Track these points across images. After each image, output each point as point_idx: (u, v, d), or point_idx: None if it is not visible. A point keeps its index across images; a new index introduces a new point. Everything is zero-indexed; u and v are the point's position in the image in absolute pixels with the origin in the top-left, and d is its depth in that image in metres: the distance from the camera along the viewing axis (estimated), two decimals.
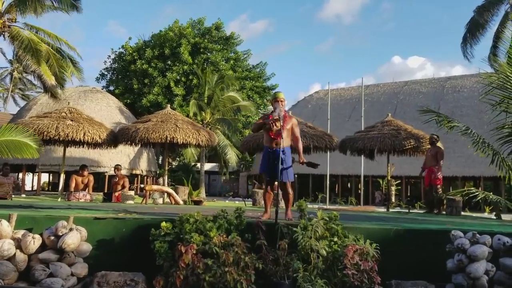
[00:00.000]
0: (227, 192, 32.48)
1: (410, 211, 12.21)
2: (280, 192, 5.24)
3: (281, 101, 5.36)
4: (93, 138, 12.76)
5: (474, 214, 13.10)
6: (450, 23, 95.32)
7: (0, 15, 17.37)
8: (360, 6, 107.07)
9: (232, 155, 25.84)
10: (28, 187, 28.37)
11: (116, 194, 10.85)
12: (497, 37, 18.32)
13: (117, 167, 11.47)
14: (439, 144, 10.21)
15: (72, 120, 12.89)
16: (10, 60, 42.44)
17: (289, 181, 5.29)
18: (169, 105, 15.71)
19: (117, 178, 11.18)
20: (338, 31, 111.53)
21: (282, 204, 5.25)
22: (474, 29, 18.90)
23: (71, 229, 4.16)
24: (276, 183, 5.22)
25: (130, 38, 36.27)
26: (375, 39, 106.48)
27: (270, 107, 31.40)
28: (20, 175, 23.70)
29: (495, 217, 9.63)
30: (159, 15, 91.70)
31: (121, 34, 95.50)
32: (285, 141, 5.32)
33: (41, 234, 4.16)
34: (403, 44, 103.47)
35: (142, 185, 24.23)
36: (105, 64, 38.65)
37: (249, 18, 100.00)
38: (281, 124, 5.11)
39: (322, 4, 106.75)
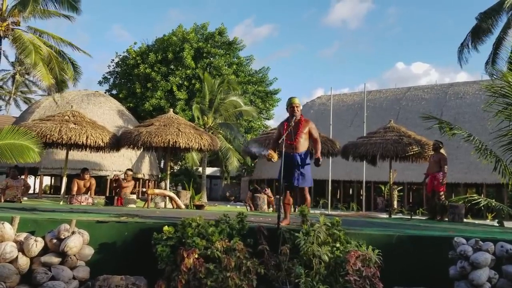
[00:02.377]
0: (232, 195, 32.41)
1: (412, 217, 12.17)
2: (282, 197, 5.26)
3: (296, 106, 5.39)
4: (95, 142, 12.78)
5: (477, 221, 13.05)
6: (455, 29, 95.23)
7: (3, 18, 17.50)
8: (366, 11, 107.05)
9: (233, 160, 25.85)
10: (30, 190, 28.36)
11: (127, 196, 10.69)
12: (498, 44, 18.31)
13: (126, 173, 11.37)
14: (442, 150, 10.19)
15: (75, 124, 12.91)
16: (12, 62, 42.65)
17: (307, 186, 5.33)
18: (171, 109, 15.74)
19: (126, 181, 11.11)
20: (343, 36, 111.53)
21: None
22: (476, 35, 18.88)
23: (73, 232, 4.15)
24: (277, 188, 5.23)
25: (135, 43, 36.49)
26: (380, 44, 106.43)
27: (272, 112, 31.25)
28: (23, 177, 23.71)
29: (497, 224, 9.59)
30: (164, 19, 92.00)
31: (125, 38, 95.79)
32: (302, 146, 5.34)
33: (43, 237, 4.16)
34: (407, 49, 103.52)
35: (144, 189, 24.24)
36: (108, 68, 38.84)
37: (253, 23, 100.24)
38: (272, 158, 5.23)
39: (328, 9, 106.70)
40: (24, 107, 44.20)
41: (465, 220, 9.86)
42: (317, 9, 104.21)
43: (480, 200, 8.36)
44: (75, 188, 10.48)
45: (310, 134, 5.44)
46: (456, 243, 4.37)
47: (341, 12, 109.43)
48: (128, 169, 11.61)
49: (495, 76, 9.06)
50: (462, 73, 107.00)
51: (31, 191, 27.90)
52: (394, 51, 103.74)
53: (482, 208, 8.72)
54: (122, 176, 11.60)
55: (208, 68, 33.30)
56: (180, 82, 32.55)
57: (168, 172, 14.79)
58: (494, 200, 8.63)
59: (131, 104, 32.94)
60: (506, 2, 17.44)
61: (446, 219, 9.47)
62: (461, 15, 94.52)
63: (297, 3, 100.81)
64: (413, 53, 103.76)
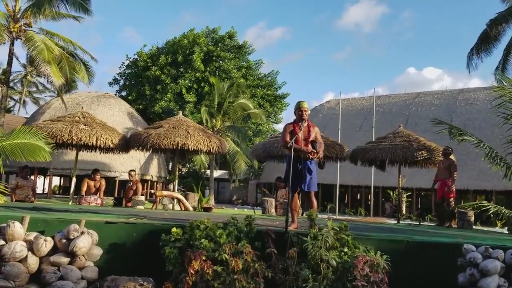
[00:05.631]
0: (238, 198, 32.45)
1: (421, 223, 12.09)
2: (289, 201, 5.26)
3: (305, 110, 5.42)
4: (105, 143, 12.80)
5: (486, 228, 12.94)
6: (469, 35, 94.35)
7: (16, 20, 17.72)
8: (380, 14, 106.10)
9: (241, 163, 25.86)
10: (39, 190, 28.64)
11: (131, 198, 10.84)
12: (508, 50, 18.15)
13: (131, 173, 11.45)
14: (451, 156, 10.13)
15: (85, 125, 12.96)
16: (24, 64, 43.12)
17: (313, 191, 5.37)
18: (180, 112, 15.79)
19: (131, 183, 11.19)
20: (356, 40, 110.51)
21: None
22: (484, 42, 18.75)
23: (82, 233, 4.19)
24: (284, 190, 5.23)
25: (144, 45, 36.74)
26: (393, 49, 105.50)
27: (280, 116, 31.17)
28: (32, 178, 23.90)
29: (507, 232, 9.50)
30: (176, 22, 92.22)
31: (137, 40, 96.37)
32: None
33: (52, 237, 4.19)
34: (421, 54, 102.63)
35: (152, 191, 24.34)
36: (119, 69, 39.12)
37: (266, 26, 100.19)
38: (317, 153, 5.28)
39: (341, 12, 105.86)
40: (32, 107, 44.70)
41: (474, 227, 9.78)
42: (330, 12, 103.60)
43: (489, 207, 8.30)
44: (85, 188, 10.51)
45: (315, 139, 5.48)
46: (466, 250, 4.34)
47: (355, 16, 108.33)
48: (131, 170, 11.65)
49: (505, 84, 9.00)
50: (475, 79, 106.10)
51: (39, 191, 28.20)
52: (406, 55, 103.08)
53: (492, 215, 8.66)
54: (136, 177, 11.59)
55: (217, 72, 33.42)
56: (189, 84, 32.70)
57: (177, 174, 14.82)
58: (504, 207, 8.56)
59: (140, 106, 33.14)
60: None
61: (455, 225, 9.40)
62: (477, 21, 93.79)
63: (310, 6, 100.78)
64: (425, 58, 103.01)
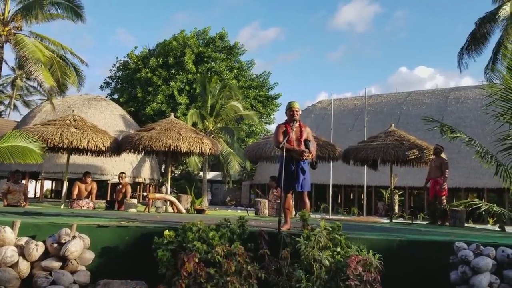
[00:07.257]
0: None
1: (413, 222, 12.15)
2: (281, 201, 5.26)
3: (296, 110, 5.42)
4: (97, 146, 12.74)
5: (478, 226, 13.03)
6: (462, 34, 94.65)
7: (6, 23, 17.56)
8: (373, 14, 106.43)
9: (234, 164, 25.84)
10: (31, 194, 28.40)
11: (122, 201, 10.82)
12: (498, 49, 18.31)
13: (121, 175, 11.43)
14: (442, 155, 10.18)
15: (76, 128, 12.90)
16: (13, 67, 42.75)
17: (306, 191, 5.36)
18: (172, 114, 15.75)
19: (121, 186, 11.16)
20: (350, 40, 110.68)
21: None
22: (474, 41, 18.89)
23: (74, 237, 4.16)
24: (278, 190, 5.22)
25: (136, 47, 36.62)
26: (387, 48, 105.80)
27: (273, 116, 31.17)
28: (23, 182, 23.70)
29: (499, 229, 9.57)
30: (170, 23, 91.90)
31: (130, 43, 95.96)
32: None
33: (44, 242, 4.16)
34: (413, 53, 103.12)
35: (145, 193, 24.23)
36: (110, 72, 38.95)
37: (260, 26, 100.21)
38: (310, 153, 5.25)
39: (334, 12, 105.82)
40: (23, 110, 44.35)
41: (466, 225, 9.84)
42: (324, 12, 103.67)
43: (481, 204, 8.36)
44: (76, 192, 10.41)
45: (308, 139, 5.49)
46: (457, 248, 4.36)
47: (348, 16, 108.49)
48: (121, 173, 11.64)
49: (495, 82, 9.08)
50: (467, 77, 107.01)
51: (31, 195, 27.99)
52: (399, 55, 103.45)
53: (483, 213, 8.71)
54: (127, 180, 11.58)
55: (209, 73, 33.44)
56: (181, 86, 32.62)
57: (169, 176, 14.78)
58: (495, 205, 8.62)
59: (132, 109, 33.01)
60: (501, 10, 17.47)
61: (447, 223, 9.46)
62: (470, 20, 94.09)
63: (304, 6, 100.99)
64: (417, 57, 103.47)
